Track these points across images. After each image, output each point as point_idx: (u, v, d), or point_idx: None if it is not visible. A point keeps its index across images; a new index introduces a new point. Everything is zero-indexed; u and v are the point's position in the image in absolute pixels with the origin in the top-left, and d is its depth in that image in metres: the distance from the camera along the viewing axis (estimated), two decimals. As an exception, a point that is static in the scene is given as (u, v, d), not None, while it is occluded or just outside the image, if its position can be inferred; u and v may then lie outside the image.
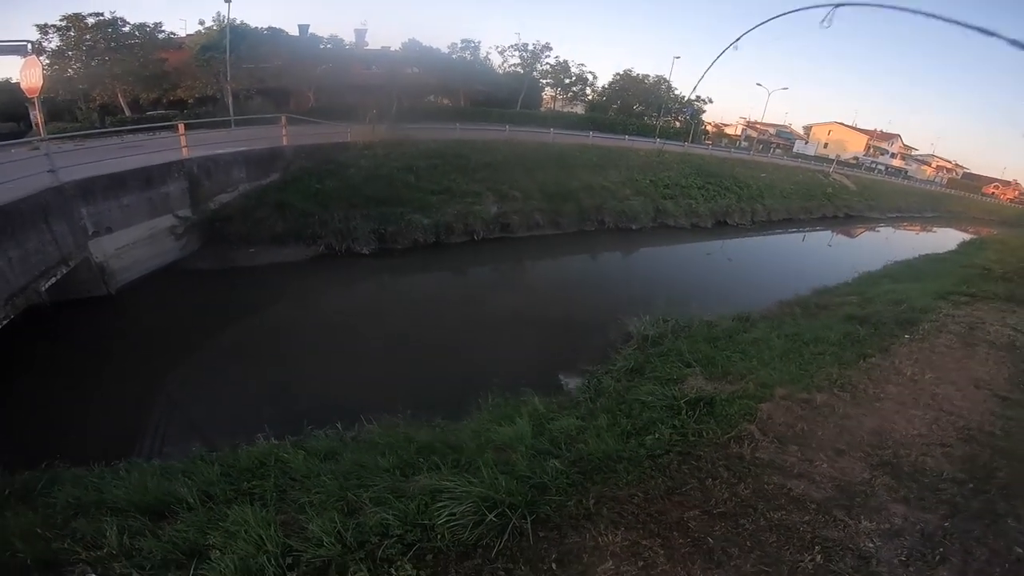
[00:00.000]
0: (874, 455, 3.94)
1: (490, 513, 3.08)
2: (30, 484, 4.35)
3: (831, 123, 72.79)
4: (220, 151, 13.38)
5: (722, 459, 3.78)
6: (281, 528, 3.38)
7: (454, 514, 3.17)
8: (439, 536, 3.07)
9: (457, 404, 6.43)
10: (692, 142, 34.59)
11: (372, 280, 12.70)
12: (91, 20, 26.18)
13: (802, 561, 2.90)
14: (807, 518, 3.29)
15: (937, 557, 2.99)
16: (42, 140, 9.37)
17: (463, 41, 37.79)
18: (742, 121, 68.24)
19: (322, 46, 32.90)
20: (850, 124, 73.09)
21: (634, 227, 19.13)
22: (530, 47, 40.16)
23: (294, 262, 12.64)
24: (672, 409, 4.63)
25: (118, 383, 7.39)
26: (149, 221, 11.13)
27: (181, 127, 12.39)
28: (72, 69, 26.88)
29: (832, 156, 53.01)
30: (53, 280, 8.46)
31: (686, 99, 44.69)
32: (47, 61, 26.19)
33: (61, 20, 26.07)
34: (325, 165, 15.34)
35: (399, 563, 2.86)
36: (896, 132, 75.02)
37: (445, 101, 37.18)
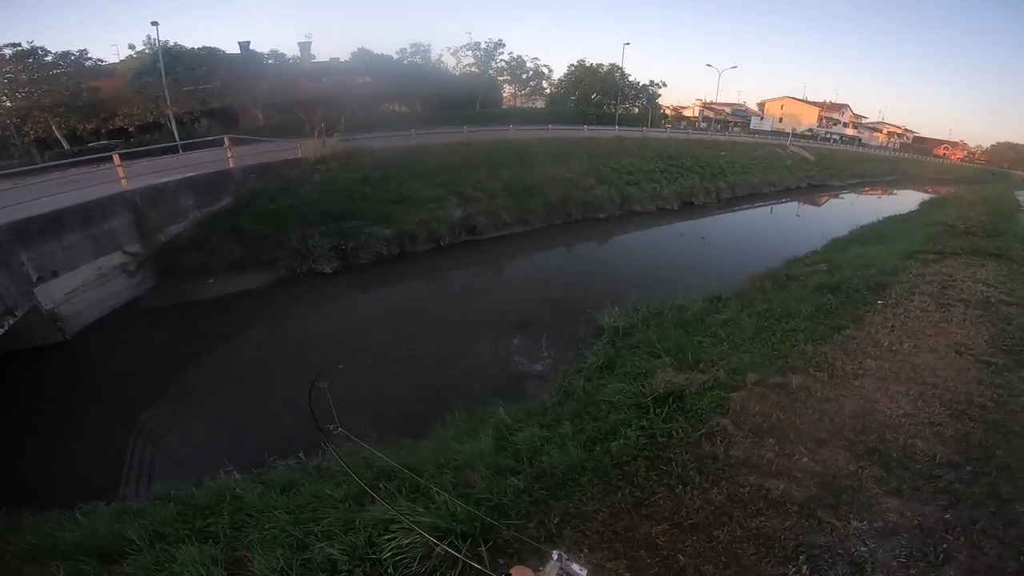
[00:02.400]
0: (858, 442, 3.71)
1: (440, 543, 2.79)
2: None
3: (783, 98, 74.33)
4: (165, 179, 12.81)
5: (693, 461, 3.54)
6: (228, 567, 3.30)
7: (401, 547, 2.96)
8: (387, 571, 2.87)
9: (426, 419, 6.20)
10: (651, 127, 34.86)
11: (336, 299, 12.24)
12: (7, 52, 24.98)
13: (786, 574, 2.64)
14: (789, 523, 3.02)
15: (940, 555, 2.72)
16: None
17: (412, 46, 37.40)
18: (698, 103, 69.03)
19: (265, 62, 32.18)
20: (801, 98, 74.66)
21: (601, 216, 19.06)
22: (483, 46, 40.07)
23: (255, 289, 12.15)
24: (640, 408, 4.39)
25: (79, 429, 7.13)
26: (96, 260, 10.62)
27: (116, 158, 11.80)
28: None
29: (788, 130, 54.14)
30: (1, 332, 8.01)
31: (641, 85, 45.25)
32: None
33: None
34: (278, 184, 14.85)
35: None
36: (845, 102, 76.87)
37: (401, 108, 36.73)
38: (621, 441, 3.78)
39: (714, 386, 4.50)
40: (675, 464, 3.56)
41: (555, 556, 1.29)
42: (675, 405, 4.29)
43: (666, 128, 40.87)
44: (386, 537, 3.02)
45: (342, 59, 36.58)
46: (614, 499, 3.30)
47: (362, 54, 35.39)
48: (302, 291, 12.23)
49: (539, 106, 45.72)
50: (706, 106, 67.24)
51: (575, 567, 1.28)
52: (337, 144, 18.23)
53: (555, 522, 3.16)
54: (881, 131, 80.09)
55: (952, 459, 3.53)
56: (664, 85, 47.29)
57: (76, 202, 10.31)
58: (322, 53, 38.09)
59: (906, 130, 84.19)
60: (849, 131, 72.48)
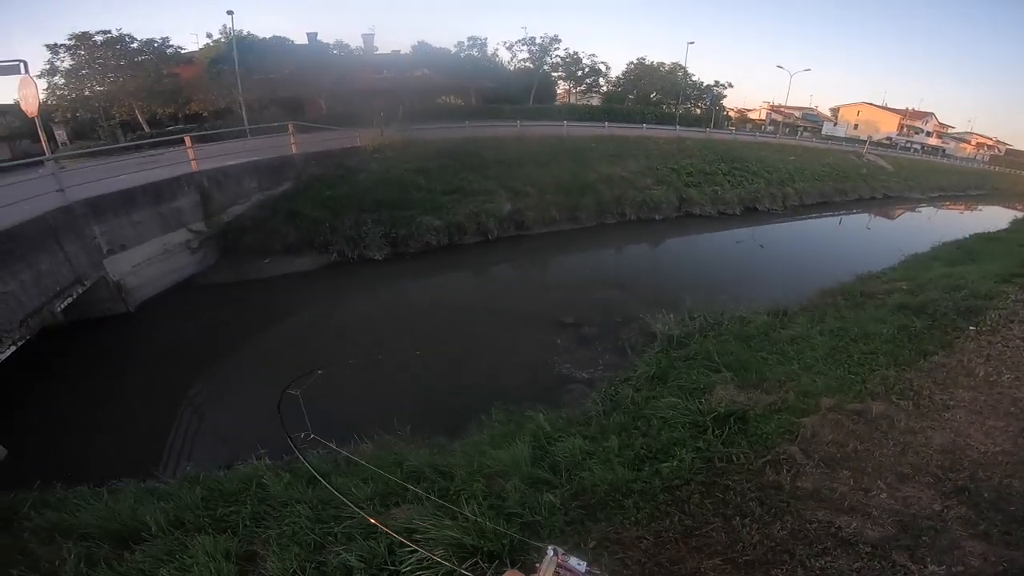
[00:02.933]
0: (946, 480, 3.21)
1: (462, 565, 2.58)
2: (17, 506, 4.32)
3: (860, 104, 69.37)
4: (231, 162, 13.32)
5: (755, 490, 3.14)
6: (241, 562, 3.21)
7: (422, 561, 2.74)
8: (405, 585, 2.63)
9: (463, 417, 6.04)
10: (714, 127, 33.40)
11: (384, 287, 12.35)
12: (99, 38, 26.74)
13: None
14: (858, 565, 2.63)
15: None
16: (48, 159, 9.32)
17: (469, 39, 37.71)
18: (765, 105, 65.78)
19: (331, 53, 33.21)
20: (880, 104, 69.38)
21: (657, 217, 18.29)
22: (538, 40, 39.64)
23: (307, 271, 12.49)
24: (697, 427, 3.99)
25: (131, 401, 7.42)
26: (162, 236, 11.13)
27: (188, 140, 12.38)
28: (88, 88, 27.53)
29: (864, 137, 50.24)
30: (69, 300, 8.47)
31: (705, 85, 43.44)
32: (62, 81, 27.04)
33: (69, 39, 26.70)
34: (336, 171, 15.23)
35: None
36: (929, 111, 70.66)
37: (456, 101, 37.10)
38: (674, 463, 3.42)
39: (781, 409, 4.04)
40: (733, 492, 3.17)
41: (551, 552, 1.23)
42: (736, 427, 3.87)
43: (730, 130, 39.11)
44: (407, 549, 2.82)
45: (403, 52, 37.19)
46: (661, 526, 2.97)
47: (422, 47, 35.94)
48: (351, 276, 12.46)
49: (594, 103, 44.72)
50: (774, 109, 64.01)
51: (573, 561, 1.21)
52: (394, 134, 18.50)
53: (591, 546, 2.87)
54: (969, 142, 73.25)
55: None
56: (730, 86, 45.65)
57: (147, 181, 10.82)
58: (384, 45, 38.90)
59: (998, 141, 76.55)
60: (932, 140, 66.70)
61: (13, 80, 9.00)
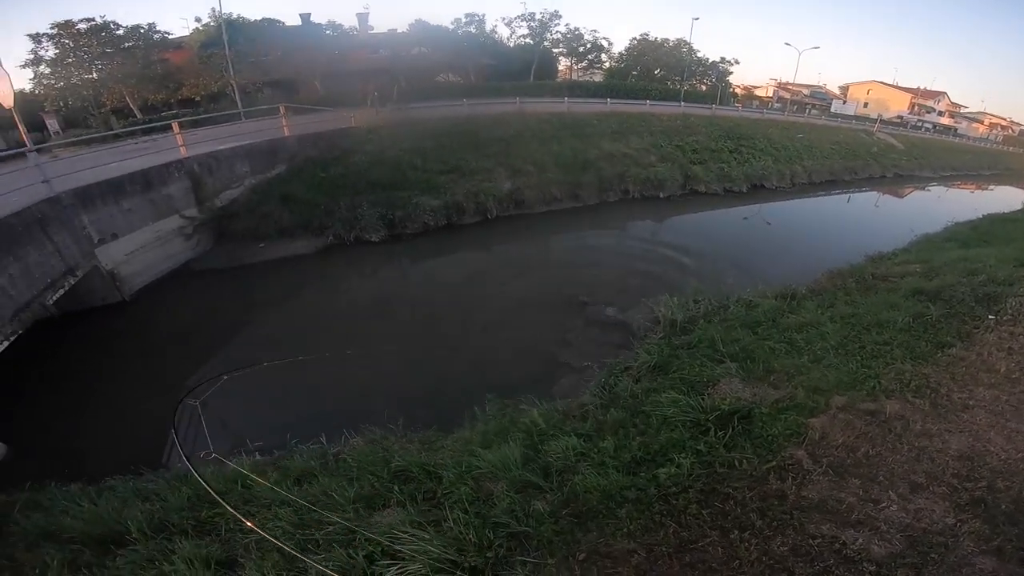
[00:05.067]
0: (962, 489, 2.96)
1: None
2: (7, 508, 4.26)
3: (870, 82, 67.68)
4: (221, 147, 13.05)
5: (756, 500, 2.92)
6: (220, 569, 3.14)
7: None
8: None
9: (459, 405, 5.83)
10: (720, 104, 32.71)
11: (380, 269, 12.14)
12: (83, 26, 26.19)
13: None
14: None
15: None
16: (30, 151, 9.06)
17: (467, 15, 37.19)
18: (773, 83, 64.45)
19: (324, 33, 32.63)
20: (891, 83, 67.51)
21: (661, 195, 17.93)
22: (537, 16, 38.98)
23: (303, 255, 12.36)
24: (698, 427, 3.74)
25: (129, 391, 7.32)
26: (154, 224, 10.99)
27: (175, 126, 12.12)
28: (76, 77, 27.15)
29: (874, 116, 48.97)
30: (61, 292, 8.40)
31: (710, 61, 42.56)
32: (47, 70, 26.66)
33: (51, 28, 26.17)
34: (330, 153, 14.98)
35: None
36: (942, 90, 68.89)
37: (454, 78, 36.38)
38: (672, 468, 3.20)
39: (789, 407, 3.79)
40: (733, 502, 2.95)
41: None
42: (741, 427, 3.62)
43: (736, 107, 38.34)
44: (384, 562, 2.66)
45: (399, 30, 36.69)
46: (655, 539, 2.76)
47: (419, 25, 35.54)
48: (348, 258, 12.32)
49: (597, 80, 43.93)
50: (781, 87, 62.63)
51: None
52: (389, 114, 18.11)
53: (580, 559, 2.68)
54: (982, 122, 71.50)
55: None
56: (736, 63, 44.64)
57: (135, 169, 10.60)
58: (380, 25, 38.41)
59: (1011, 122, 74.75)
60: (944, 120, 65.06)
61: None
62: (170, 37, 29.89)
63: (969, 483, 3.02)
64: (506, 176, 15.62)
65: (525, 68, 37.29)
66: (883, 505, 2.88)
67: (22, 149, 9.75)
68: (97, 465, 5.59)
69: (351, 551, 2.87)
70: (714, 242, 13.94)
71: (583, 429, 4.16)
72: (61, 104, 27.28)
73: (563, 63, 45.00)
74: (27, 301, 7.54)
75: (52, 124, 26.24)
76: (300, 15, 34.42)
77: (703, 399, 4.14)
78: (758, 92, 62.37)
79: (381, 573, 2.64)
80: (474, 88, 29.88)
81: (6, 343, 6.83)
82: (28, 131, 11.32)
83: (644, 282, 10.40)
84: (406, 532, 2.87)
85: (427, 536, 2.77)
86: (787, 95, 60.18)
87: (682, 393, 4.37)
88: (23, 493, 4.56)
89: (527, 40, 39.44)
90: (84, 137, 18.30)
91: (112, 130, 21.19)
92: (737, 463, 3.22)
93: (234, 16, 28.61)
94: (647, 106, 26.09)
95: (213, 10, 28.65)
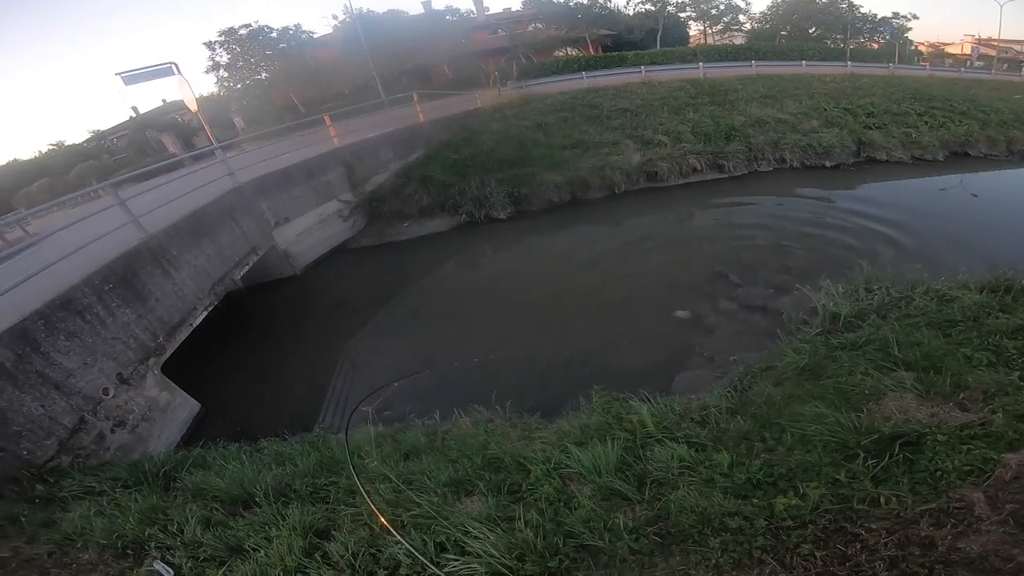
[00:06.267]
0: None
1: None
2: (179, 464, 4.90)
3: None
4: (368, 135, 14.31)
5: (893, 546, 2.19)
6: (315, 537, 3.26)
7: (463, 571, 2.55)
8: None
9: (569, 393, 5.64)
10: (900, 63, 26.93)
11: (508, 246, 12.35)
12: (243, 31, 29.79)
13: None
14: None
15: None
16: (215, 148, 10.84)
17: None
18: (969, 39, 50.25)
19: (446, 19, 33.87)
20: None
21: (828, 164, 15.15)
22: None
23: (440, 232, 13.31)
24: (844, 451, 2.97)
25: (302, 354, 8.55)
26: (318, 208, 12.55)
27: (328, 120, 13.56)
28: (247, 79, 31.09)
29: None
30: (246, 268, 9.99)
31: (880, 17, 35.90)
32: (226, 74, 31.04)
33: (219, 35, 30.26)
34: (460, 135, 15.57)
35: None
36: None
37: (573, 51, 35.43)
38: (794, 499, 2.59)
39: (979, 435, 2.82)
40: (861, 546, 2.25)
41: None
42: (902, 456, 2.77)
43: (923, 66, 31.05)
44: (449, 555, 2.61)
45: (514, 8, 37.15)
46: (748, 578, 2.26)
47: (532, 1, 35.17)
48: (476, 235, 12.90)
49: (737, 43, 39.20)
50: (982, 43, 48.67)
51: None
52: (511, 92, 18.15)
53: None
54: None
55: None
56: (915, 17, 36.68)
57: (298, 160, 12.15)
58: (496, 5, 39.04)
59: None
60: None
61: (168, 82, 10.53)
62: (315, 36, 33.11)
63: None
64: (635, 148, 14.73)
65: (649, 36, 35.07)
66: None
67: (209, 147, 11.72)
68: (262, 424, 6.38)
69: (427, 536, 2.87)
70: (897, 219, 11.13)
71: (698, 437, 3.62)
72: (244, 103, 31.86)
73: (694, 28, 41.31)
74: (220, 277, 9.02)
75: (239, 122, 30.70)
76: (422, 3, 36.38)
77: (859, 417, 3.29)
78: (950, 50, 50.76)
79: (443, 564, 2.60)
80: (594, 60, 28.68)
81: (204, 313, 8.21)
82: (220, 129, 13.70)
83: (807, 263, 8.92)
84: (478, 526, 2.80)
85: (495, 534, 2.65)
86: (991, 52, 46.69)
87: (832, 406, 3.53)
88: (196, 450, 5.24)
89: (647, 6, 36.72)
90: (258, 133, 21.48)
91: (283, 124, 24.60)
92: (884, 500, 2.48)
93: (364, 11, 30.88)
94: (803, 67, 22.90)
95: (345, 6, 31.18)
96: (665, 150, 14.64)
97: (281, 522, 3.42)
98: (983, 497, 2.40)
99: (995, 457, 2.63)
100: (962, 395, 3.36)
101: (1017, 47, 51.05)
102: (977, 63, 39.58)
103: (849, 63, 25.73)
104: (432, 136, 15.62)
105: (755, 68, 22.37)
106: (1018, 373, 3.41)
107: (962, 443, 2.79)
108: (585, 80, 19.36)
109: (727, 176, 14.75)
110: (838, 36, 37.63)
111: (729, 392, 4.55)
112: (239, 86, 32.13)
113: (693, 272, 9.11)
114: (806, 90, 18.89)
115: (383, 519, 2.99)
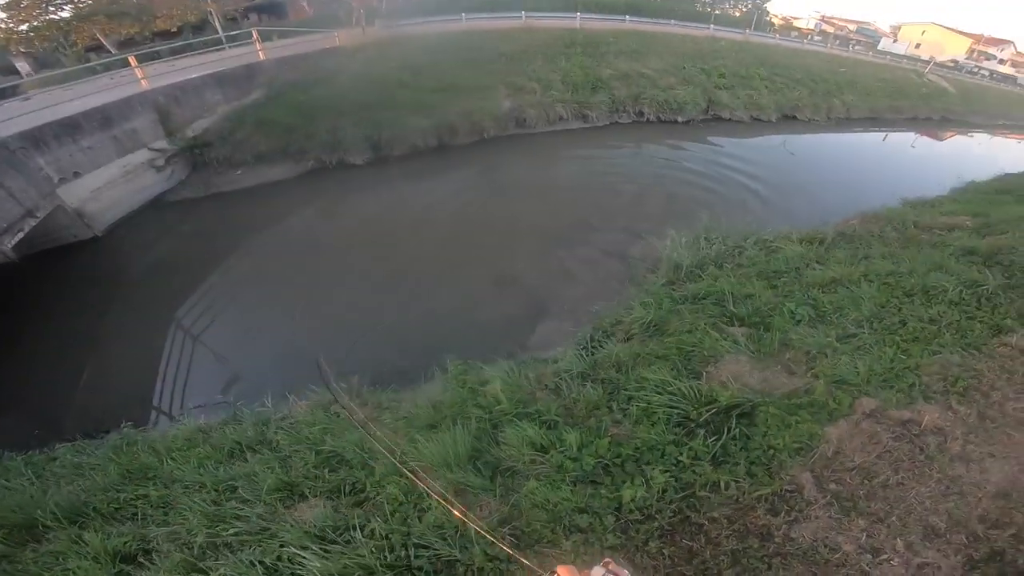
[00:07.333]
0: (984, 539, 2.23)
1: None
2: None
3: (926, 24, 60.98)
4: (188, 76, 12.27)
5: (735, 539, 2.26)
6: (124, 563, 2.78)
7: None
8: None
9: (427, 357, 5.19)
10: (755, 31, 29.84)
11: (363, 193, 11.28)
12: None
13: None
14: None
15: None
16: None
17: None
18: (816, 15, 58.71)
19: None
20: (950, 27, 60.53)
21: (680, 119, 16.41)
22: None
23: (281, 180, 11.85)
24: (686, 425, 3.00)
25: (109, 328, 7.20)
26: (120, 159, 10.67)
27: (132, 60, 11.67)
28: (36, 19, 25.54)
29: (925, 57, 44.29)
30: (20, 235, 8.19)
31: None
32: (3, 15, 25.04)
33: None
34: (312, 75, 13.81)
35: None
36: (1009, 39, 61.04)
37: None
38: (640, 489, 2.51)
39: (804, 404, 3.02)
40: (706, 539, 2.29)
41: (602, 564, 1.19)
42: (739, 429, 2.87)
43: (773, 35, 35.01)
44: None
45: None
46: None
47: None
48: (329, 183, 11.71)
49: None
50: (826, 20, 57.00)
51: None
52: (379, 31, 16.47)
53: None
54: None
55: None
56: None
57: (91, 106, 10.13)
58: None
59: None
60: (1005, 68, 58.47)
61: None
62: None
63: (995, 530, 2.25)
64: (506, 94, 14.40)
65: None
66: (882, 557, 2.18)
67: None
68: (60, 425, 5.29)
69: (262, 547, 2.44)
70: (733, 170, 12.59)
71: (549, 412, 3.44)
72: (35, 47, 25.99)
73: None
74: (-18, 248, 7.05)
75: (23, 67, 25.66)
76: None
77: (699, 383, 3.38)
78: (798, 24, 57.81)
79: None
80: (474, 2, 27.38)
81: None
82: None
83: (654, 211, 9.49)
84: (317, 539, 2.34)
85: (334, 549, 2.22)
86: (831, 28, 54.99)
87: (674, 371, 3.60)
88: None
89: None
90: (45, 76, 17.08)
91: (85, 64, 19.85)
92: (723, 485, 2.52)
93: None
94: (671, 26, 24.05)
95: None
96: (535, 97, 14.52)
97: (80, 549, 2.86)
98: (811, 478, 2.54)
99: (819, 432, 2.80)
100: (788, 355, 3.63)
101: (852, 26, 60.41)
102: (816, 37, 45.49)
103: (712, 26, 27.47)
104: (276, 76, 13.57)
105: (628, 23, 22.87)
106: (834, 331, 3.77)
107: (790, 414, 2.94)
108: (464, 22, 18.45)
109: (590, 126, 15.23)
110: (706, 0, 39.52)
111: (581, 352, 4.49)
112: (24, 27, 25.38)
113: (557, 219, 9.16)
114: (669, 49, 19.75)
115: None
